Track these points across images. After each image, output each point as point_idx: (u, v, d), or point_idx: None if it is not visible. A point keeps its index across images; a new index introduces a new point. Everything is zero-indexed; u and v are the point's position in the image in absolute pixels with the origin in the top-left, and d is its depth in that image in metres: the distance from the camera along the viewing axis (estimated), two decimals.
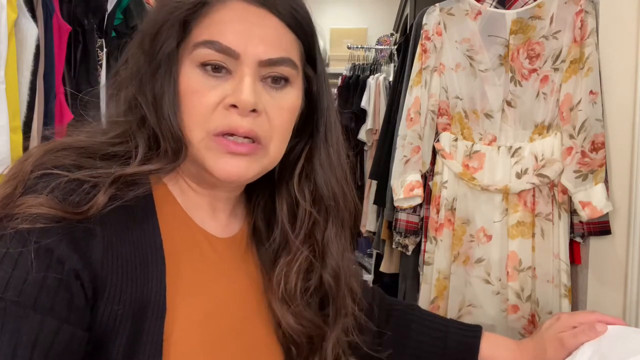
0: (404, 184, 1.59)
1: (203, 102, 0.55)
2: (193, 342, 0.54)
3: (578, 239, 1.48)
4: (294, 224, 0.65)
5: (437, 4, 1.61)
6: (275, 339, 0.63)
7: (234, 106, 0.54)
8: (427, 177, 1.63)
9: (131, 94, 0.57)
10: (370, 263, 2.89)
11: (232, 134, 0.55)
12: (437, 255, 1.56)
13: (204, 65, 0.55)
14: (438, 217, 1.57)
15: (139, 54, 0.58)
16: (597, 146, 1.41)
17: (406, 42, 1.76)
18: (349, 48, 3.18)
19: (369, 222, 2.42)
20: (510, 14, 1.53)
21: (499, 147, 1.54)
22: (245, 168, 0.56)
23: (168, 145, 0.55)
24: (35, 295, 0.44)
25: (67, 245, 0.47)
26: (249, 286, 0.64)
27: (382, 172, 1.81)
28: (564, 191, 1.46)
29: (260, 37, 0.55)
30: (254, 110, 0.55)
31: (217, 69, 0.55)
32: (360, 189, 2.76)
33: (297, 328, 0.62)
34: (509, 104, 1.53)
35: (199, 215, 0.61)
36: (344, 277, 0.66)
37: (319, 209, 0.65)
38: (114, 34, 1.57)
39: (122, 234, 0.50)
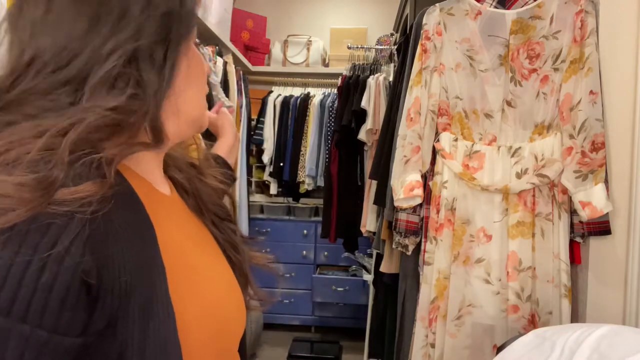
0: (404, 184, 1.59)
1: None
2: (199, 296, 0.59)
3: (578, 239, 1.48)
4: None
5: (437, 4, 1.61)
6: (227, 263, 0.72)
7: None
8: (427, 177, 1.63)
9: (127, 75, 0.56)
10: (370, 263, 2.89)
11: None
12: (437, 255, 1.56)
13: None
14: (438, 217, 1.57)
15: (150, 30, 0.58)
16: (597, 146, 1.41)
17: (406, 42, 1.76)
18: (349, 48, 3.17)
19: (369, 222, 2.42)
20: (510, 14, 1.53)
21: (499, 147, 1.54)
22: None
23: (150, 125, 0.58)
24: (26, 305, 0.43)
25: (74, 236, 0.46)
26: (204, 231, 0.72)
27: (382, 172, 1.81)
28: (564, 191, 1.46)
29: None
30: None
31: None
32: (360, 189, 2.76)
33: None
34: (509, 104, 1.53)
35: (154, 180, 0.65)
36: None
37: None
38: None
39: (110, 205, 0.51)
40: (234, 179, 1.05)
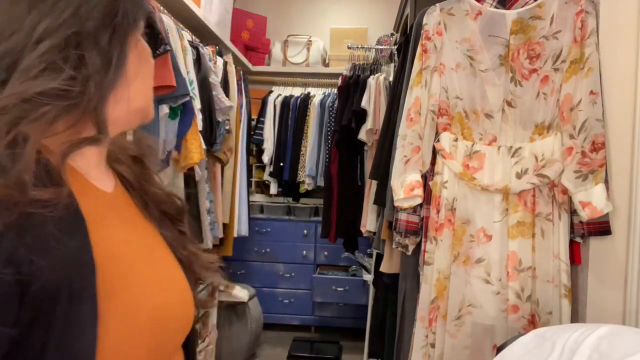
0: (404, 184, 1.59)
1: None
2: (136, 297, 0.58)
3: (578, 239, 1.48)
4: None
5: (437, 4, 1.61)
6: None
7: None
8: (427, 177, 1.63)
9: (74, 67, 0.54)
10: (370, 263, 2.89)
11: None
12: (437, 255, 1.56)
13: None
14: (438, 217, 1.57)
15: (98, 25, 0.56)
16: (597, 146, 1.41)
17: (406, 42, 1.76)
18: (349, 48, 3.17)
19: (369, 222, 2.42)
20: (511, 14, 1.53)
21: (499, 147, 1.54)
22: None
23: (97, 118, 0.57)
24: None
25: (15, 237, 0.47)
26: (149, 229, 0.70)
27: (382, 172, 1.81)
28: (564, 191, 1.46)
29: None
30: None
31: None
32: (360, 189, 2.76)
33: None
34: (509, 104, 1.53)
35: (93, 175, 0.63)
36: None
37: None
38: None
39: (40, 199, 0.50)
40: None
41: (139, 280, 0.60)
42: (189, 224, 0.77)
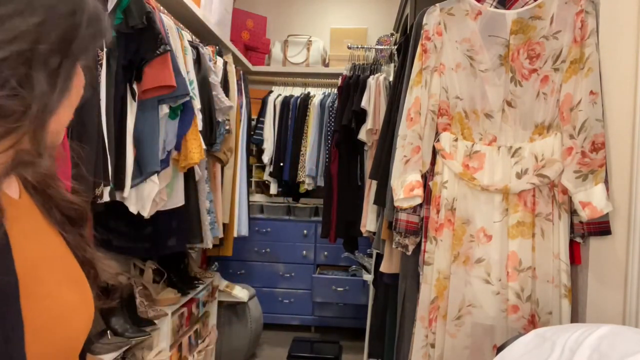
0: (404, 184, 1.59)
1: None
2: (45, 312, 0.58)
3: (578, 239, 1.48)
4: None
5: (437, 4, 1.61)
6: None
7: None
8: (427, 177, 1.63)
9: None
10: (370, 263, 2.89)
11: None
12: (437, 255, 1.56)
13: None
14: (438, 217, 1.57)
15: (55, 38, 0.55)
16: (597, 146, 1.41)
17: (406, 42, 1.76)
18: (349, 48, 3.17)
19: (369, 222, 2.42)
20: (511, 14, 1.53)
21: (499, 147, 1.54)
22: None
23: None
24: None
25: None
26: (53, 234, 0.68)
27: (382, 172, 1.81)
28: (564, 191, 1.46)
29: None
30: None
31: None
32: (360, 189, 2.76)
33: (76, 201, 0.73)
34: (509, 104, 1.53)
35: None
36: None
37: None
38: (114, 33, 1.57)
39: None
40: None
41: (47, 298, 0.59)
42: (89, 228, 0.76)
